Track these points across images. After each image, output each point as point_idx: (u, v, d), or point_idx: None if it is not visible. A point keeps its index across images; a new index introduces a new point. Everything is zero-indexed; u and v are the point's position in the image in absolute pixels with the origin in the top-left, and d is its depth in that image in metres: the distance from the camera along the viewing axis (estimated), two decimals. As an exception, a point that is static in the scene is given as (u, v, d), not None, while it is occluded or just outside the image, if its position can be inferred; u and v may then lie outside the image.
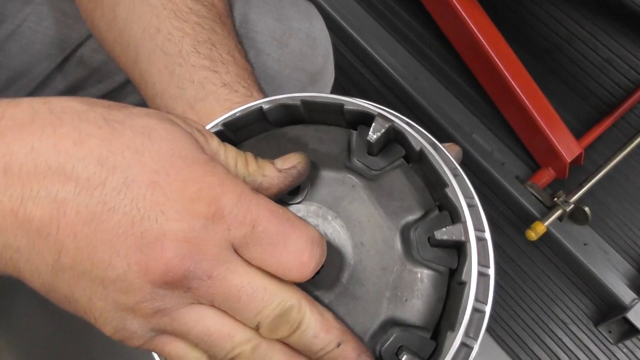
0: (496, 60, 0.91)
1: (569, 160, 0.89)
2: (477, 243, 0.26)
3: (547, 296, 0.93)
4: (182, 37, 0.36)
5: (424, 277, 0.27)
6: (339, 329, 0.24)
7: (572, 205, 0.87)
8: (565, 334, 0.91)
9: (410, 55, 1.03)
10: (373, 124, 0.27)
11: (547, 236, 0.90)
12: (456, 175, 0.28)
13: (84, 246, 0.21)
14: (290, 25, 0.50)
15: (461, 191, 0.27)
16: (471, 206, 0.27)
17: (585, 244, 0.91)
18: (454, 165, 0.29)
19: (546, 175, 0.93)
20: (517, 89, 0.90)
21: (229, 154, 0.25)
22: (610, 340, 0.89)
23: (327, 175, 0.28)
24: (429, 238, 0.27)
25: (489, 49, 0.91)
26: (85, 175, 0.21)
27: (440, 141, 0.30)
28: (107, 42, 0.40)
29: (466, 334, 0.25)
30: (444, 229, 0.26)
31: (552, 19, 1.05)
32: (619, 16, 1.04)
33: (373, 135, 0.27)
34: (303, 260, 0.23)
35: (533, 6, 1.06)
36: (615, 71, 1.01)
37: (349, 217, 0.27)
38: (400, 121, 0.28)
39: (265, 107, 0.29)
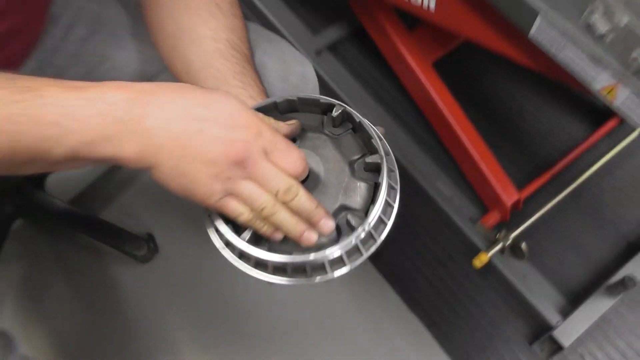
0: (453, 124, 1.14)
1: (509, 205, 1.10)
2: (388, 171, 0.47)
3: (491, 318, 1.11)
4: (226, 69, 0.59)
5: (361, 185, 0.48)
6: (316, 201, 0.45)
7: (510, 240, 1.08)
8: (506, 351, 1.08)
9: (388, 115, 1.28)
10: (334, 108, 0.49)
11: (491, 266, 1.09)
12: (380, 139, 0.50)
13: (196, 144, 0.42)
14: (290, 68, 0.74)
15: (381, 145, 0.48)
16: (387, 154, 0.49)
17: (523, 275, 1.10)
18: (379, 134, 0.50)
19: (492, 217, 1.13)
20: (469, 146, 1.13)
21: (261, 114, 0.48)
22: (542, 357, 1.06)
23: (310, 135, 0.51)
24: (363, 167, 0.48)
25: (447, 115, 1.14)
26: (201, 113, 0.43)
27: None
28: (179, 74, 0.62)
29: (382, 212, 0.46)
30: (370, 157, 0.47)
31: (506, 93, 1.31)
32: (561, 94, 1.29)
33: (334, 114, 0.50)
34: (297, 164, 0.45)
35: (491, 82, 1.32)
36: (555, 138, 1.25)
37: (322, 155, 0.50)
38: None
39: (278, 101, 0.52)
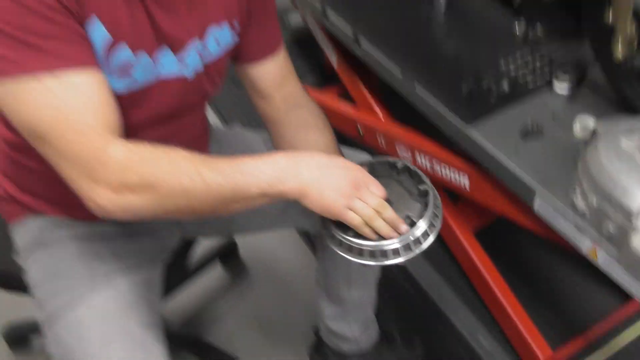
0: (494, 288, 1.33)
1: (542, 360, 1.23)
2: (434, 197, 0.78)
3: None
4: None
5: (417, 206, 0.77)
6: (395, 214, 0.74)
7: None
8: None
9: (436, 274, 1.49)
10: (398, 163, 0.82)
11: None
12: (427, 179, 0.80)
13: (329, 180, 0.71)
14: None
15: (428, 181, 0.79)
16: (432, 188, 0.78)
17: None
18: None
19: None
20: (508, 307, 1.29)
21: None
22: None
23: (383, 178, 0.79)
24: (417, 193, 0.79)
25: (488, 279, 1.34)
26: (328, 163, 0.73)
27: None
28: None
29: (431, 220, 0.75)
30: (421, 186, 0.79)
31: (543, 261, 1.48)
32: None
33: (398, 166, 0.82)
34: (382, 192, 0.75)
35: (528, 250, 1.51)
36: (590, 306, 1.39)
37: (391, 188, 0.78)
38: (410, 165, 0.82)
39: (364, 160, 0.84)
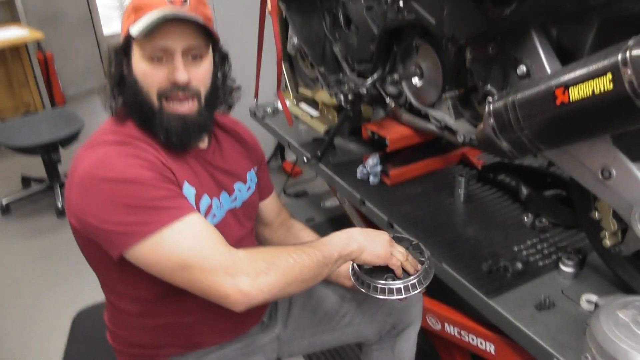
0: None
1: None
2: (428, 260, 1.21)
3: None
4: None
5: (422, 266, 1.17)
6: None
7: None
8: None
9: None
10: (412, 240, 1.24)
11: None
12: (425, 249, 1.24)
13: (377, 242, 1.13)
14: None
15: (426, 251, 1.23)
16: (429, 258, 1.21)
17: None
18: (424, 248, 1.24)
19: None
20: None
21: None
22: None
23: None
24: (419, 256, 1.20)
25: None
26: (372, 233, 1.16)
27: None
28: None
29: (424, 274, 1.17)
30: (422, 257, 1.19)
31: None
32: None
33: (412, 242, 1.24)
34: (404, 251, 1.17)
35: None
36: None
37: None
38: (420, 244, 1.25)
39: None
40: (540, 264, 1.32)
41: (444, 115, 1.54)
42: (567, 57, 1.08)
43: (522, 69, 1.06)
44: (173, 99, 1.03)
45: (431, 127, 1.59)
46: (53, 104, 4.33)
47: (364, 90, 1.69)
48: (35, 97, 4.24)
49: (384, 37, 1.58)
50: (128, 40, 1.01)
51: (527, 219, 1.49)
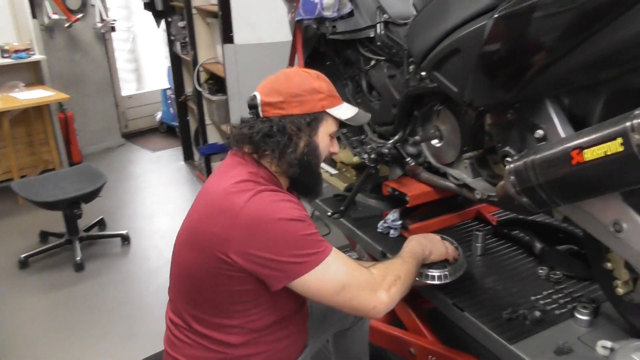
0: None
1: None
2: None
3: None
4: None
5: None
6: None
7: None
8: None
9: None
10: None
11: None
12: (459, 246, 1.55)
13: (436, 244, 1.47)
14: None
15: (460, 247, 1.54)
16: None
17: None
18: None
19: None
20: None
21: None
22: None
23: None
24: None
25: None
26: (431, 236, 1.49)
27: None
28: None
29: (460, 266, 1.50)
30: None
31: None
32: None
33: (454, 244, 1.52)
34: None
35: None
36: None
37: None
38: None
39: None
40: (557, 312, 1.41)
41: (461, 174, 1.67)
42: (578, 124, 1.23)
43: (540, 133, 1.20)
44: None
45: (449, 185, 1.71)
46: (71, 162, 4.49)
47: (386, 150, 1.83)
48: (54, 156, 4.40)
49: (406, 102, 1.74)
50: (319, 115, 1.30)
51: (542, 271, 1.59)
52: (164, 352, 1.39)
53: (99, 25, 4.91)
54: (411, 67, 1.71)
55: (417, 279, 1.39)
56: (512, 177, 1.19)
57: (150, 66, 5.98)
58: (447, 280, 1.44)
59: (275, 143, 1.25)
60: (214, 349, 1.28)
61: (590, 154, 1.01)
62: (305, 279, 1.15)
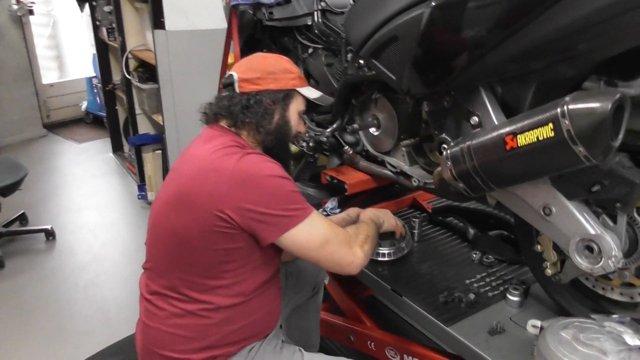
0: None
1: None
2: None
3: None
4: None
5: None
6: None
7: None
8: None
9: None
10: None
11: None
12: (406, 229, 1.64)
13: (387, 216, 1.61)
14: None
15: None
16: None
17: None
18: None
19: None
20: None
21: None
22: None
23: None
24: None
25: None
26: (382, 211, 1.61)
27: None
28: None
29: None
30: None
31: None
32: None
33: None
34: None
35: None
36: None
37: None
38: None
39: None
40: (490, 294, 1.47)
41: (399, 162, 1.70)
42: (510, 111, 1.27)
43: (475, 119, 1.23)
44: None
45: (387, 172, 1.74)
46: (-13, 152, 4.19)
47: (324, 139, 1.82)
48: (-32, 145, 4.11)
49: (344, 91, 1.74)
50: (291, 92, 1.40)
51: (476, 255, 1.64)
52: (135, 333, 1.40)
53: (15, 7, 4.61)
54: (349, 56, 1.72)
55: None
56: (449, 163, 1.22)
57: (73, 53, 5.67)
58: (397, 256, 1.61)
59: (254, 114, 1.34)
60: (199, 313, 1.28)
61: (523, 140, 1.05)
62: (293, 232, 1.22)
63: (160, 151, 3.58)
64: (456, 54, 1.20)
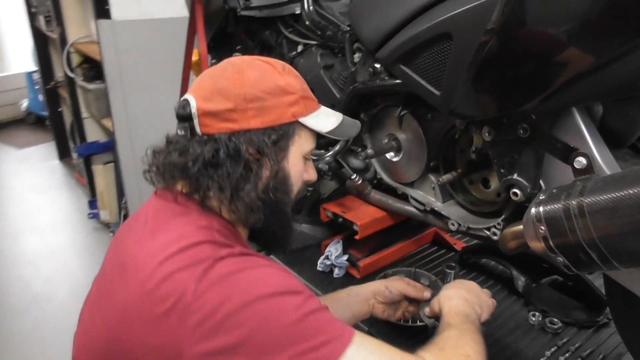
0: None
1: None
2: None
3: None
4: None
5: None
6: None
7: None
8: None
9: None
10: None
11: None
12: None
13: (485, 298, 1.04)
14: None
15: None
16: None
17: None
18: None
19: None
20: None
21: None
22: None
23: None
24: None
25: None
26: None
27: None
28: None
29: None
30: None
31: None
32: None
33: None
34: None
35: None
36: None
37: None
38: None
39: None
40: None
41: (427, 196, 1.28)
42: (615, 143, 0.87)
43: (582, 161, 0.82)
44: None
45: (410, 210, 1.32)
46: None
47: (325, 167, 1.39)
48: None
49: (350, 102, 1.31)
50: (289, 128, 0.86)
51: (534, 318, 1.25)
52: None
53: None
54: (357, 56, 1.28)
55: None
56: (543, 228, 0.80)
57: (12, 44, 5.03)
58: None
59: (225, 176, 0.82)
60: None
61: (694, 206, 0.64)
62: None
63: (112, 164, 3.06)
64: (554, 63, 0.78)
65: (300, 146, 0.89)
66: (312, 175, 0.96)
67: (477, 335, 0.88)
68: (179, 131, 0.86)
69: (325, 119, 0.92)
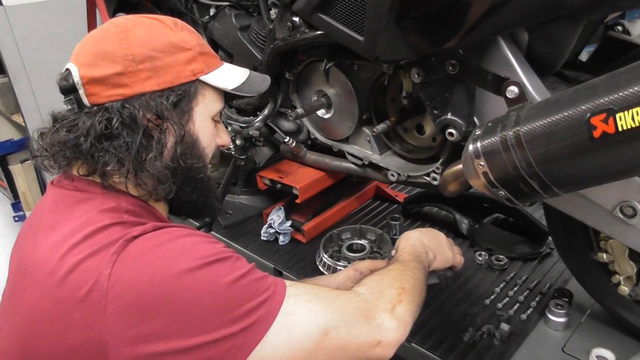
0: None
1: None
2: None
3: None
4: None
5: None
6: None
7: None
8: None
9: None
10: None
11: None
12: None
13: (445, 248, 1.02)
14: None
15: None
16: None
17: None
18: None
19: None
20: None
21: None
22: None
23: None
24: None
25: None
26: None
27: None
28: None
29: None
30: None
31: None
32: None
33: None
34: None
35: None
36: None
37: None
38: None
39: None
40: (523, 316, 1.09)
41: (364, 150, 1.25)
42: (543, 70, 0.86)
43: (514, 90, 0.80)
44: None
45: (349, 166, 1.28)
46: None
47: (255, 132, 1.32)
48: None
49: (273, 62, 1.24)
50: (190, 87, 0.79)
51: (481, 258, 1.26)
52: None
53: None
54: (273, 12, 1.21)
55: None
56: (482, 162, 0.78)
57: None
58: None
59: (123, 147, 0.74)
60: None
61: (628, 120, 0.63)
62: (265, 346, 0.66)
63: (30, 161, 2.85)
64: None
65: (206, 107, 0.82)
66: (224, 139, 0.89)
67: (421, 274, 0.87)
68: (65, 106, 0.76)
69: (230, 75, 0.85)
